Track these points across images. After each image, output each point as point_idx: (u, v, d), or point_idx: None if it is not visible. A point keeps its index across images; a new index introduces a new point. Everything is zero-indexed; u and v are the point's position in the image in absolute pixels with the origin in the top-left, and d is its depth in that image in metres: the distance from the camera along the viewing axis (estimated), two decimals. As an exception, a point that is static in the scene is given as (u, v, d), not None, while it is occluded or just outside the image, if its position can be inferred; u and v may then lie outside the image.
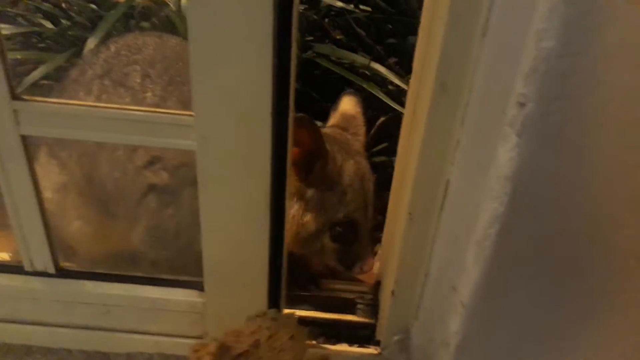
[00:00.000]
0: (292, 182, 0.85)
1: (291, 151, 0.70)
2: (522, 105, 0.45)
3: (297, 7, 0.58)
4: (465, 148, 0.59)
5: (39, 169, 0.84)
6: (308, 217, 0.89)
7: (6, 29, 1.27)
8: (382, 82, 1.27)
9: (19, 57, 1.24)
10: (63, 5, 1.38)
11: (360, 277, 0.95)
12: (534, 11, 0.43)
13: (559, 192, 0.49)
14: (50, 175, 0.93)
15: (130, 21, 1.28)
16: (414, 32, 0.71)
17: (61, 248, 0.89)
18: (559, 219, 0.51)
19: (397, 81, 1.22)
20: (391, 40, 1.37)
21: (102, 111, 0.68)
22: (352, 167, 0.92)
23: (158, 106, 0.86)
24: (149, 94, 0.88)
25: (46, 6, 1.36)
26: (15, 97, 0.68)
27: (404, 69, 1.28)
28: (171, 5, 1.29)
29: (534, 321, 0.59)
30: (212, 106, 0.64)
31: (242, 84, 0.62)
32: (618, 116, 0.45)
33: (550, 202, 0.50)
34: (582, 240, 0.52)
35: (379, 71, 1.24)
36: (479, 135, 0.55)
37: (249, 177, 0.69)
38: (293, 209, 0.88)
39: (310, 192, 0.89)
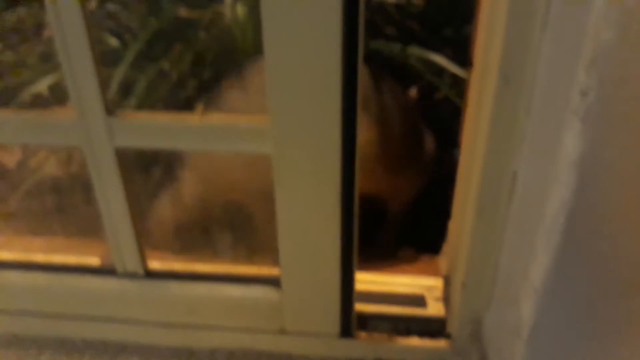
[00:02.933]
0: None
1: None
2: (584, 94, 0.47)
3: (363, 16, 0.62)
4: (531, 138, 0.61)
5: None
6: None
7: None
8: (439, 73, 1.24)
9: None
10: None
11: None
12: (592, 3, 0.45)
13: (622, 177, 0.50)
14: None
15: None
16: (469, 21, 0.71)
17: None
18: (623, 205, 0.52)
19: (455, 70, 1.18)
20: (447, 32, 1.32)
21: (183, 121, 0.74)
22: None
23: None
24: None
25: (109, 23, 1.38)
26: (109, 112, 0.75)
27: (460, 59, 1.25)
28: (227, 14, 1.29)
29: (605, 307, 0.59)
30: (286, 110, 0.69)
31: (314, 88, 0.67)
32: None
33: (614, 187, 0.51)
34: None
35: (435, 62, 1.21)
36: (544, 125, 0.57)
37: (321, 178, 0.73)
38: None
39: None
